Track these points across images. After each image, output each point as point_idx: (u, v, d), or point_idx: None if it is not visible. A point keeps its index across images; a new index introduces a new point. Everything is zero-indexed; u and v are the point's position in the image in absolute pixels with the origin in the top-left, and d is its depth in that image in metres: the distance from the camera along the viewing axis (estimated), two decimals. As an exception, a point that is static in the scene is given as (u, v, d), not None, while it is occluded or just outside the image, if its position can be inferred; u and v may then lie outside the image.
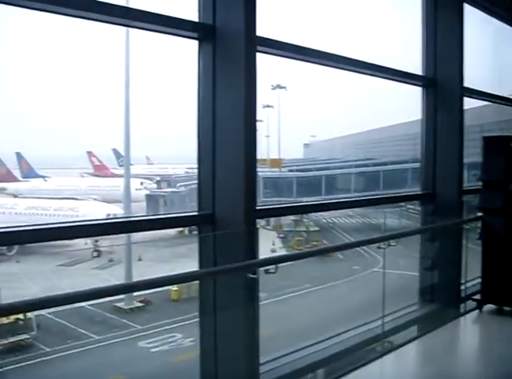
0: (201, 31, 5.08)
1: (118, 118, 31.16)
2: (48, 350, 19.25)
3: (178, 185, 37.62)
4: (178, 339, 19.62)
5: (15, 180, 53.67)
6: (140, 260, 27.23)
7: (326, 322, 16.72)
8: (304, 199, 33.73)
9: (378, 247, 6.22)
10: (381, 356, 6.01)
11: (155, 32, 4.86)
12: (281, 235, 33.44)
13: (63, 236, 5.01)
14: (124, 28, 28.34)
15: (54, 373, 17.79)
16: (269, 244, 29.16)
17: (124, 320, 21.17)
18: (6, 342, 18.66)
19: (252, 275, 4.67)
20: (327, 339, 6.36)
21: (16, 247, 20.06)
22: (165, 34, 4.90)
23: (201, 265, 5.14)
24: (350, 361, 6.38)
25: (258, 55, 5.10)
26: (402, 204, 13.87)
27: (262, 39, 5.21)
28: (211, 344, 5.11)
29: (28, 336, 19.19)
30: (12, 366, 17.92)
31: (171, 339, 19.80)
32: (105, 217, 32.72)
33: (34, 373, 18.35)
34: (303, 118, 48.63)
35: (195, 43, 5.07)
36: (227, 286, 5.02)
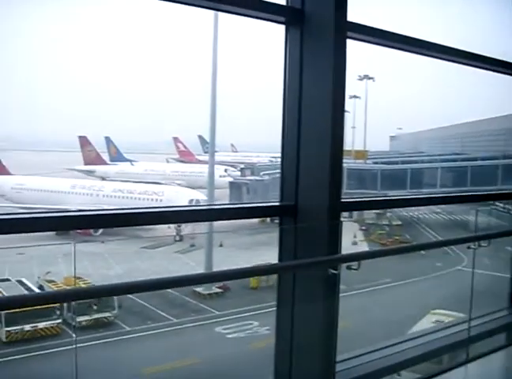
0: (289, 15, 4.89)
1: (204, 105, 31.63)
2: (128, 329, 19.78)
3: (261, 173, 37.81)
4: (255, 326, 19.69)
5: (103, 163, 55.59)
6: (221, 246, 27.54)
7: (406, 320, 16.32)
8: (388, 192, 33.22)
9: (468, 247, 5.88)
10: (464, 363, 5.71)
11: (241, 16, 4.72)
12: (363, 228, 33.09)
13: (148, 221, 5.11)
14: (211, 14, 28.63)
15: (130, 352, 18.23)
16: (350, 236, 28.82)
17: (202, 305, 21.45)
18: (90, 318, 19.33)
19: (333, 271, 4.50)
20: (408, 339, 6.05)
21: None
22: (252, 18, 4.75)
23: (280, 257, 5.01)
24: (431, 366, 6.11)
25: (348, 42, 4.87)
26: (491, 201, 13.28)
27: (353, 24, 4.96)
28: (287, 336, 4.98)
29: (110, 315, 19.79)
30: (94, 342, 18.57)
31: (247, 327, 19.89)
32: (188, 202, 33.35)
33: (112, 350, 18.88)
34: (391, 110, 47.84)
35: (282, 27, 4.90)
36: (306, 279, 4.87)
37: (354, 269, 4.55)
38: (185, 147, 65.18)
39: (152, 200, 36.02)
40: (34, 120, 69.24)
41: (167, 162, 62.30)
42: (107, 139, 58.40)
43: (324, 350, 4.95)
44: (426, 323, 15.03)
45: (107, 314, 19.74)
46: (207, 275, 6.45)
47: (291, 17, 4.86)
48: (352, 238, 29.25)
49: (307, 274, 4.85)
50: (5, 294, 20.32)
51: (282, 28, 4.90)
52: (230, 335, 19.37)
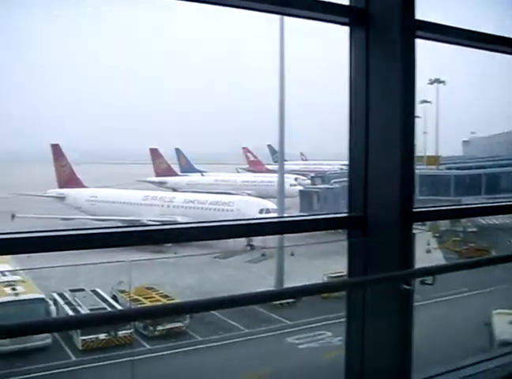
0: (353, 15, 4.66)
1: (273, 114, 31.63)
2: (200, 339, 19.84)
3: (332, 181, 37.52)
4: (327, 337, 19.38)
5: (174, 174, 56.53)
6: (292, 254, 27.34)
7: (486, 336, 15.61)
8: (462, 198, 32.23)
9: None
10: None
11: (305, 19, 4.53)
12: (437, 235, 32.27)
13: (218, 236, 5.01)
14: (277, 20, 28.54)
15: (203, 362, 18.25)
16: (423, 244, 28.08)
17: (273, 315, 21.29)
18: (162, 328, 19.53)
19: (406, 286, 4.22)
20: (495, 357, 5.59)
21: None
22: (315, 20, 4.56)
23: (350, 272, 4.78)
24: None
25: (417, 42, 4.60)
26: None
27: (422, 22, 4.68)
28: (357, 351, 4.77)
29: (182, 324, 19.92)
30: (166, 352, 18.72)
31: (319, 337, 19.61)
32: (258, 212, 33.36)
33: (184, 359, 18.95)
34: (463, 114, 46.56)
35: (346, 29, 4.67)
36: (377, 293, 4.62)
37: (429, 284, 4.26)
38: (254, 156, 65.57)
39: (222, 210, 36.26)
40: (106, 134, 71.37)
41: (237, 172, 62.76)
42: (178, 150, 59.47)
43: (398, 368, 4.68)
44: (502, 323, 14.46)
45: (178, 324, 19.88)
46: (280, 291, 6.28)
47: (355, 18, 4.63)
48: (426, 245, 28.54)
49: (379, 288, 4.60)
50: (80, 303, 20.88)
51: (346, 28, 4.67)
52: (302, 346, 19.13)
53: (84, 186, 46.15)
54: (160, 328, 19.56)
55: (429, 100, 40.94)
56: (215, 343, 19.40)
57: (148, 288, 22.98)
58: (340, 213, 5.16)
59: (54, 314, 19.56)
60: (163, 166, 55.76)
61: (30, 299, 19.89)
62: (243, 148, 65.05)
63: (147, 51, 61.97)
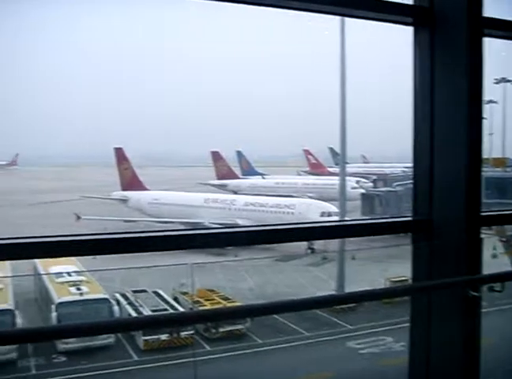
0: (417, 15, 4.55)
1: (334, 116, 31.40)
2: (260, 341, 19.86)
3: (394, 184, 36.93)
4: (388, 342, 19.12)
5: (235, 177, 56.85)
6: (353, 258, 27.10)
7: None
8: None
9: None
10: None
11: (367, 20, 4.46)
12: (503, 239, 31.29)
13: (280, 239, 5.01)
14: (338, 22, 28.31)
15: (263, 365, 18.27)
16: (489, 248, 27.31)
17: (334, 319, 21.13)
18: (223, 330, 19.64)
19: (473, 293, 4.08)
20: None
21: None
22: (378, 21, 4.48)
23: (414, 276, 4.68)
24: None
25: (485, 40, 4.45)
26: None
27: (490, 19, 4.53)
28: (422, 356, 4.65)
29: (243, 327, 19.98)
30: (227, 353, 18.82)
31: (380, 342, 19.36)
32: (319, 215, 33.17)
33: (245, 361, 19.01)
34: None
35: (410, 29, 4.56)
36: (442, 299, 4.49)
37: (497, 291, 4.11)
38: (316, 159, 65.31)
39: (283, 213, 36.22)
40: (168, 138, 72.53)
41: (299, 174, 62.65)
42: (239, 153, 59.82)
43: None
44: None
45: (239, 327, 19.94)
46: (341, 296, 6.21)
47: (419, 17, 4.52)
48: (492, 250, 27.74)
49: (444, 293, 4.47)
50: (142, 304, 21.22)
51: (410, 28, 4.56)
52: (362, 351, 18.91)
53: (146, 189, 46.89)
54: (220, 330, 19.66)
55: (495, 100, 39.85)
56: (275, 346, 19.40)
57: (210, 290, 23.15)
58: (404, 217, 5.06)
59: (117, 314, 19.99)
60: (225, 169, 56.14)
61: (94, 299, 20.38)
62: (304, 150, 64.90)
63: (211, 57, 62.75)
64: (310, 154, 64.87)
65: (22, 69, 60.06)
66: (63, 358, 18.00)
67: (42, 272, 22.90)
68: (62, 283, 21.55)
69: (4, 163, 76.70)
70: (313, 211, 34.65)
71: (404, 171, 39.37)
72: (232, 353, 19.20)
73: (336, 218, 30.39)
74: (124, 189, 47.57)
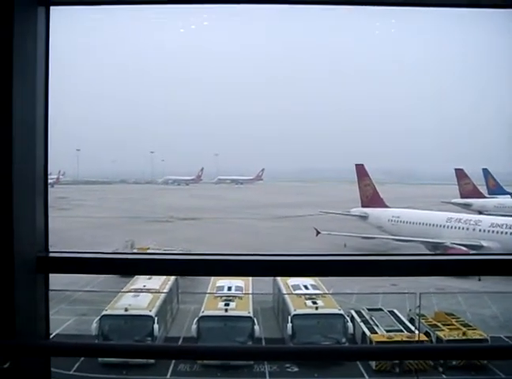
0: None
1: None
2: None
3: None
4: None
5: (481, 196, 53.54)
6: None
7: None
8: None
9: None
10: None
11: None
12: None
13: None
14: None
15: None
16: None
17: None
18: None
19: None
20: None
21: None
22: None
23: None
24: None
25: None
26: None
27: None
28: None
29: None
30: None
31: None
32: None
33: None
34: None
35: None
36: None
37: None
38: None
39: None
40: (412, 156, 71.78)
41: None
42: (485, 171, 56.23)
43: None
44: None
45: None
46: None
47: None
48: None
49: None
50: (377, 323, 20.85)
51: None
52: None
53: (386, 206, 46.16)
54: None
55: None
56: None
57: (448, 314, 21.91)
58: None
59: (350, 331, 19.94)
60: (469, 188, 53.20)
61: (329, 314, 20.52)
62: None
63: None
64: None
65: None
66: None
67: (281, 284, 23.73)
68: (300, 295, 22.07)
69: (251, 177, 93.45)
70: None
71: None
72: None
73: None
74: (364, 205, 47.23)
